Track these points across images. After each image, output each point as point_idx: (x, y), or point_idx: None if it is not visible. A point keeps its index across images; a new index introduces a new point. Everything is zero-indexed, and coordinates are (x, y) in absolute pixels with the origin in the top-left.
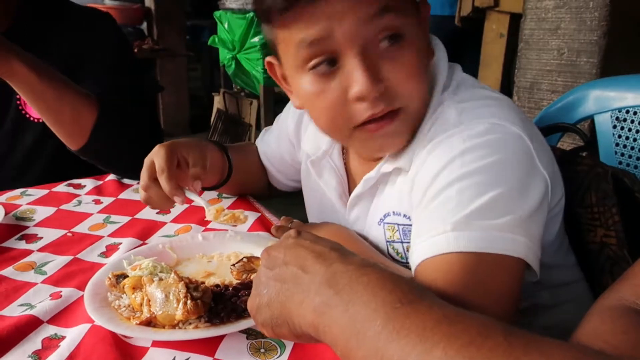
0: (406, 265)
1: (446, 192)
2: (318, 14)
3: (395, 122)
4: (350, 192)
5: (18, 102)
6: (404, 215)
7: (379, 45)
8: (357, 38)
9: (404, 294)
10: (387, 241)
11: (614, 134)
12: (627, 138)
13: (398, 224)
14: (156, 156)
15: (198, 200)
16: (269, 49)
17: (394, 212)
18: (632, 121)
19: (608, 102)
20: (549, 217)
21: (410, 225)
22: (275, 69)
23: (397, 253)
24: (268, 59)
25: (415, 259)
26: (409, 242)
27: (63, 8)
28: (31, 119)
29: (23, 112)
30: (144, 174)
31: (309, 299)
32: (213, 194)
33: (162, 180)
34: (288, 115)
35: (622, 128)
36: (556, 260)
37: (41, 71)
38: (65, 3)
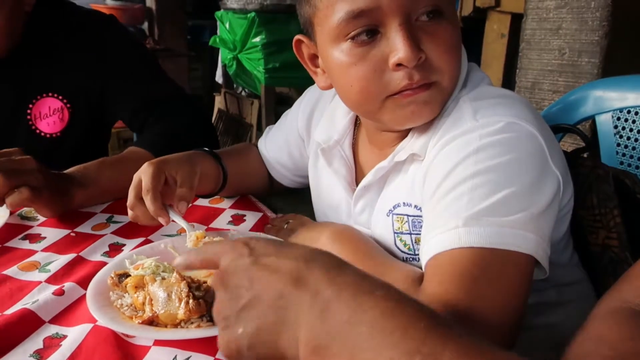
0: (413, 257)
1: (459, 188)
2: None
3: (428, 92)
4: (357, 184)
5: (29, 117)
6: (415, 207)
7: (420, 18)
8: (402, 10)
9: (422, 341)
10: (394, 232)
11: (615, 135)
12: (628, 138)
13: (408, 215)
14: (144, 174)
15: (181, 223)
16: (270, 48)
17: (404, 203)
18: (634, 121)
19: (609, 102)
20: (559, 216)
21: (421, 216)
22: (303, 48)
23: (405, 245)
24: (298, 37)
25: (426, 253)
26: (418, 234)
27: (67, 16)
28: (42, 134)
29: (33, 127)
30: (131, 192)
31: (302, 339)
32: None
33: (147, 201)
34: (299, 111)
35: (623, 128)
36: (563, 259)
37: (96, 181)
38: (67, 9)
